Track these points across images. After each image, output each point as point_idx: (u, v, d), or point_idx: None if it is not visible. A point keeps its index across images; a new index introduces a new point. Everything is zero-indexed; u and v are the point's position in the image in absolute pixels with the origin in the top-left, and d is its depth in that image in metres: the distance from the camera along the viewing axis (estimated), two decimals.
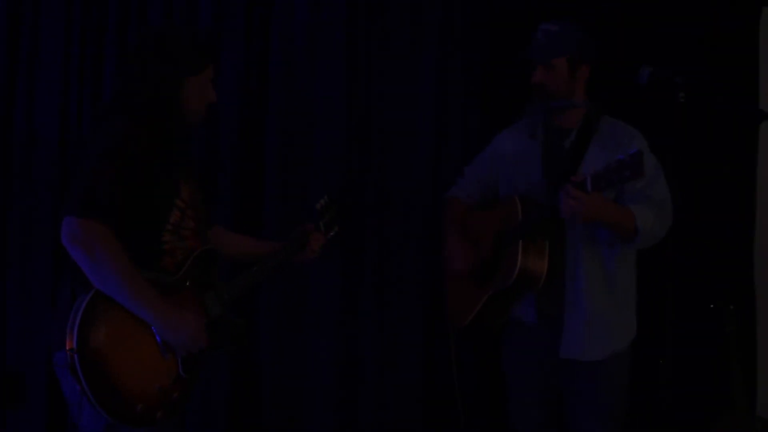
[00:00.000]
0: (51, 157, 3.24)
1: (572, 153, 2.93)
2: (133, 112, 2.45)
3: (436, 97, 3.60)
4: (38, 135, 3.22)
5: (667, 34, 3.81)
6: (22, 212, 3.25)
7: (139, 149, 2.39)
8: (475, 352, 3.57)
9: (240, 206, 3.40)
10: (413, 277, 3.58)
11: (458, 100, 3.63)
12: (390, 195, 3.55)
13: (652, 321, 2.97)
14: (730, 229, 3.84)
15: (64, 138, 3.24)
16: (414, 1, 3.56)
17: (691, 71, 3.59)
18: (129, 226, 2.39)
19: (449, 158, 3.61)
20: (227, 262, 2.73)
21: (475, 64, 3.65)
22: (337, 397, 3.50)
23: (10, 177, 3.23)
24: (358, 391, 3.50)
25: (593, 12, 3.64)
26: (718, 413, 3.75)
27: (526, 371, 2.97)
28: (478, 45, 3.66)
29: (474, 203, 3.23)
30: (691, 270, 3.45)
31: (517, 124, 3.15)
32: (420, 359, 3.57)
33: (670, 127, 2.97)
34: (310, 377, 3.46)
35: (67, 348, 2.31)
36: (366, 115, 3.53)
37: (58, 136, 3.24)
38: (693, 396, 3.78)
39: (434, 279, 3.51)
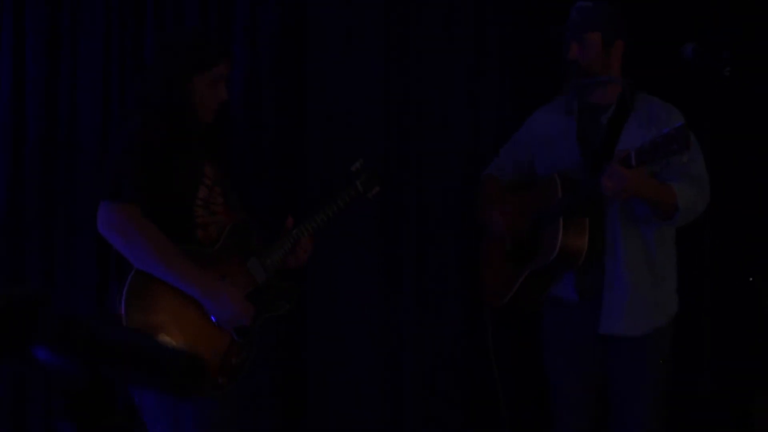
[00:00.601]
0: (92, 160, 3.27)
1: (609, 129, 2.90)
2: (148, 110, 2.56)
3: (470, 80, 3.64)
4: (80, 138, 3.27)
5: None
6: (66, 216, 3.30)
7: (157, 136, 2.49)
8: (513, 332, 3.57)
9: (282, 189, 3.43)
10: (452, 261, 3.59)
11: (494, 77, 3.65)
12: (428, 176, 3.57)
13: (691, 297, 2.97)
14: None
15: (105, 141, 3.30)
16: (447, 14, 3.59)
17: (733, 46, 3.56)
18: (160, 205, 2.48)
19: (486, 137, 3.62)
20: None
21: (511, 48, 3.68)
22: (380, 379, 3.51)
23: (54, 180, 3.28)
24: (401, 369, 3.53)
25: None
26: (758, 388, 3.73)
27: (567, 349, 2.96)
28: (514, 34, 3.68)
29: (511, 183, 3.21)
30: (729, 245, 3.42)
31: (551, 103, 3.13)
32: (460, 343, 3.58)
33: (709, 100, 2.96)
34: (352, 358, 3.49)
35: (116, 314, 2.38)
36: (404, 99, 3.55)
37: (99, 139, 3.29)
38: (733, 372, 3.76)
39: (471, 260, 3.49)
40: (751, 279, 3.79)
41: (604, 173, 2.63)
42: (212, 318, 2.49)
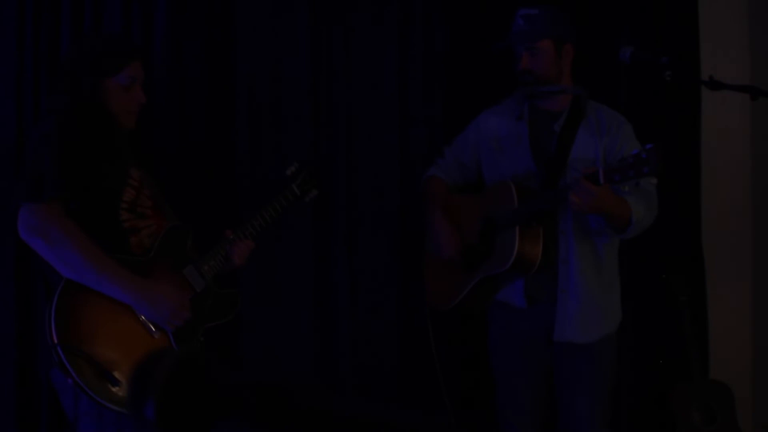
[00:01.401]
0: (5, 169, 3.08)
1: (562, 137, 2.94)
2: (61, 114, 2.49)
3: (399, 81, 3.61)
4: None
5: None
6: None
7: (73, 137, 2.42)
8: (455, 333, 3.58)
9: (212, 189, 3.33)
10: (387, 261, 3.57)
11: (418, 81, 3.64)
12: (358, 175, 3.53)
13: None
14: (677, 202, 3.95)
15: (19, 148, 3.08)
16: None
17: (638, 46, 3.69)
18: (84, 208, 2.41)
19: (417, 134, 3.62)
20: None
21: (436, 52, 3.67)
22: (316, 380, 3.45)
23: None
24: (337, 372, 3.48)
25: None
26: (676, 382, 3.88)
27: (515, 353, 3.01)
28: (438, 33, 3.68)
29: (455, 185, 3.20)
30: (643, 245, 3.53)
31: (499, 106, 3.13)
32: (396, 341, 3.58)
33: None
34: (289, 357, 3.42)
35: (50, 343, 2.28)
36: (329, 100, 3.51)
37: (12, 147, 3.10)
38: (652, 367, 3.90)
39: (408, 260, 3.49)
40: (663, 277, 3.92)
41: (572, 189, 2.66)
42: (150, 329, 2.42)
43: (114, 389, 2.28)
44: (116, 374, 2.29)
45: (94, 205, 2.42)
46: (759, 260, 4.25)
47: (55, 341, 2.26)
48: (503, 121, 3.06)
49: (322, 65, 3.48)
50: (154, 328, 2.43)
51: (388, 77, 3.57)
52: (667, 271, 3.95)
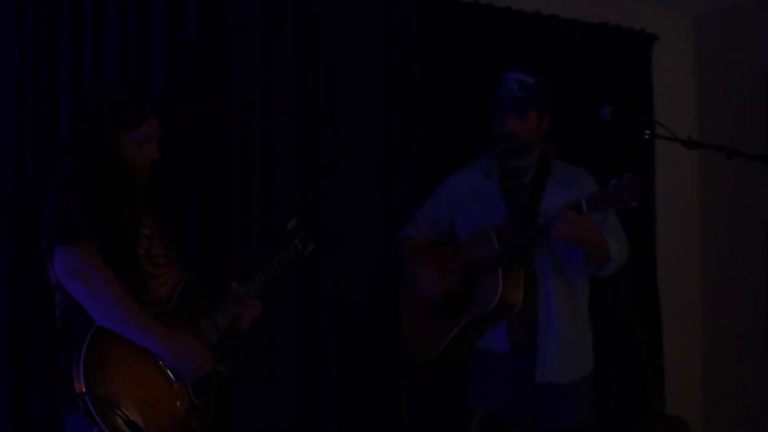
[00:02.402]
0: (6, 211, 3.12)
1: (532, 189, 3.11)
2: (82, 154, 2.54)
3: (384, 135, 3.78)
4: None
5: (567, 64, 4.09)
6: None
7: (94, 180, 2.46)
8: (431, 384, 3.68)
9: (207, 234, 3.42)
10: (368, 307, 3.67)
11: (400, 134, 3.80)
12: (343, 228, 3.64)
13: None
14: (635, 247, 4.19)
15: (20, 191, 3.15)
16: (360, 65, 3.73)
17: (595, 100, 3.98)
18: (110, 251, 2.43)
19: (398, 193, 3.76)
20: None
21: (419, 109, 3.86)
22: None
23: None
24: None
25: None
26: (636, 416, 4.08)
27: (500, 398, 3.09)
28: (420, 94, 3.86)
29: (429, 242, 3.34)
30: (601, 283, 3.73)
31: (468, 167, 3.31)
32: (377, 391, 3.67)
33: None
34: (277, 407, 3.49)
35: (77, 392, 2.30)
36: (317, 153, 3.64)
37: (13, 188, 3.14)
38: (614, 399, 4.09)
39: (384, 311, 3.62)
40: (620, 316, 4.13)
41: (557, 218, 2.80)
42: (171, 380, 2.46)
43: None
44: (140, 422, 2.34)
45: (116, 250, 2.45)
46: (707, 300, 4.52)
47: (84, 390, 2.28)
48: (474, 178, 3.24)
49: (310, 110, 3.63)
50: (174, 377, 2.48)
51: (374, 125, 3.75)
52: (625, 310, 4.15)
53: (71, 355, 2.34)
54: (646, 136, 2.79)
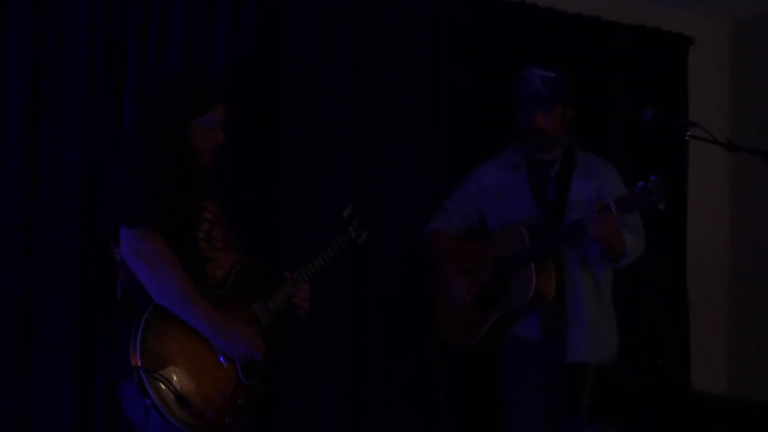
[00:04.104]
0: (75, 191, 3.27)
1: (559, 182, 3.26)
2: (151, 138, 2.65)
3: (429, 133, 3.93)
4: (62, 171, 3.24)
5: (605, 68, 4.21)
6: (47, 246, 3.24)
7: (161, 165, 2.57)
8: (467, 372, 3.83)
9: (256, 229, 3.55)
10: (410, 297, 3.80)
11: (444, 132, 3.96)
12: (388, 220, 3.77)
13: None
14: (664, 240, 4.30)
15: (88, 173, 3.29)
16: (405, 69, 3.87)
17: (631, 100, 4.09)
18: (170, 234, 2.54)
19: (440, 189, 3.87)
20: None
21: (463, 108, 4.00)
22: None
23: (35, 212, 3.23)
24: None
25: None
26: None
27: (532, 384, 3.25)
28: (463, 93, 4.00)
29: (458, 234, 3.49)
30: (633, 277, 3.84)
31: (496, 158, 3.45)
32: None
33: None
34: (319, 391, 3.63)
35: (133, 364, 2.43)
36: (365, 148, 3.79)
37: (80, 173, 3.29)
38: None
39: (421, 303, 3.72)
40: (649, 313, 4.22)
41: (589, 219, 2.95)
42: (221, 359, 2.58)
43: (186, 413, 2.45)
44: (190, 397, 2.46)
45: (177, 233, 2.57)
46: (734, 302, 4.62)
47: (138, 363, 2.41)
48: (502, 171, 3.38)
49: (361, 116, 3.79)
50: (224, 358, 2.59)
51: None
52: (654, 310, 4.25)
53: (129, 326, 2.47)
54: (687, 138, 2.91)
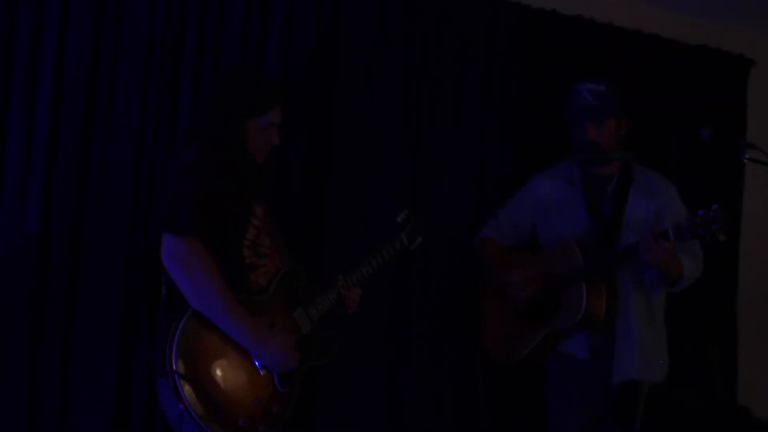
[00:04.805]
0: (125, 188, 3.29)
1: (616, 198, 3.19)
2: (202, 144, 2.63)
3: (480, 141, 3.91)
4: (113, 169, 3.27)
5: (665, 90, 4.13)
6: (95, 243, 3.26)
7: (209, 172, 2.56)
8: (509, 385, 3.77)
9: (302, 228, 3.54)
10: (454, 306, 3.77)
11: (496, 142, 3.93)
12: (435, 227, 3.72)
13: None
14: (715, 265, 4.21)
15: (138, 172, 3.32)
16: (459, 76, 3.86)
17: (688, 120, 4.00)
18: (215, 241, 2.54)
19: (489, 198, 3.84)
20: None
21: (514, 120, 3.97)
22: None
23: (85, 208, 3.26)
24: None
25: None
26: None
27: (576, 402, 3.21)
28: (516, 103, 3.97)
29: (510, 245, 3.44)
30: (680, 299, 3.76)
31: (550, 170, 3.40)
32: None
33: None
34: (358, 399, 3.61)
35: (167, 369, 2.43)
36: (415, 155, 3.78)
37: (133, 172, 3.31)
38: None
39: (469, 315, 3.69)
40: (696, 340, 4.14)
41: (645, 245, 2.90)
42: (257, 365, 2.57)
43: (218, 419, 2.45)
44: (224, 404, 2.47)
45: (221, 241, 2.57)
46: None
47: (174, 368, 2.42)
48: (556, 184, 3.33)
49: (412, 125, 3.78)
50: (261, 365, 2.59)
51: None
52: (701, 334, 4.17)
53: (168, 326, 2.49)
54: (746, 160, 2.85)
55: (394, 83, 3.72)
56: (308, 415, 3.47)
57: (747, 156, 2.84)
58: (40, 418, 3.15)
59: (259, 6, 3.49)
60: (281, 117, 2.75)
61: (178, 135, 3.30)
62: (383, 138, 3.69)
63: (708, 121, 4.02)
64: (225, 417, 2.46)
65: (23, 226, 3.13)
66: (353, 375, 3.58)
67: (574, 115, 3.22)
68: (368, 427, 3.60)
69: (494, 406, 3.66)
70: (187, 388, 2.42)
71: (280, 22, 3.53)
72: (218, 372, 2.49)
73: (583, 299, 3.04)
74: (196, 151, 2.61)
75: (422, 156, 3.76)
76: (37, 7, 3.17)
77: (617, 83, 3.28)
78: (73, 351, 3.20)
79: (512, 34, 3.95)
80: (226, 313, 2.49)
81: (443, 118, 3.81)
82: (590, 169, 3.28)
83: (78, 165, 3.23)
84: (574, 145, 3.27)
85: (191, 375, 2.42)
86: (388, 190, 3.66)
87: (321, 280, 2.92)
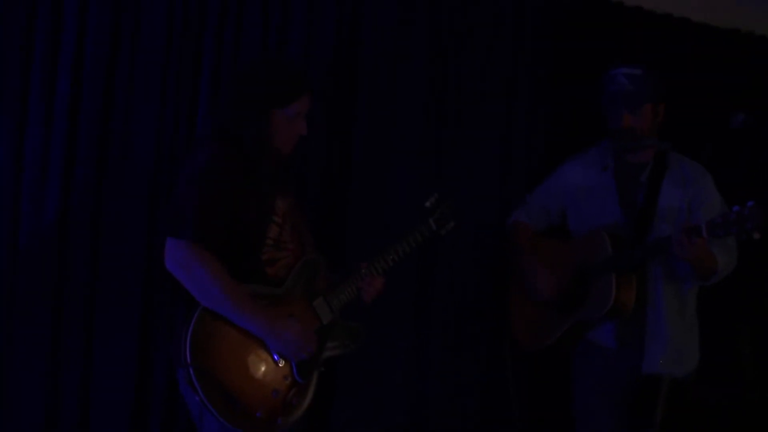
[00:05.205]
0: (145, 178, 3.28)
1: (649, 187, 3.11)
2: (222, 140, 2.55)
3: (505, 133, 3.85)
4: (132, 162, 3.26)
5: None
6: (114, 233, 3.26)
7: (228, 170, 2.49)
8: (534, 370, 3.72)
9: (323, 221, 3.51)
10: (480, 296, 3.74)
11: (522, 133, 3.87)
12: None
13: None
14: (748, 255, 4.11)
15: (158, 165, 3.30)
16: (484, 65, 3.80)
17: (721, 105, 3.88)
18: (228, 242, 2.49)
19: (514, 186, 3.81)
20: None
21: (542, 109, 3.90)
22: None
23: (104, 200, 3.26)
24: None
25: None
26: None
27: (603, 391, 3.15)
28: (544, 93, 3.90)
29: (538, 230, 3.38)
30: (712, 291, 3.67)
31: (583, 156, 3.32)
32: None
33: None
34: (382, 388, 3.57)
35: (183, 362, 2.41)
36: (437, 147, 3.74)
37: (153, 157, 3.29)
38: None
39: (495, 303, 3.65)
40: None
41: (677, 241, 2.82)
42: (275, 357, 2.53)
43: (235, 411, 2.42)
44: (240, 397, 2.44)
45: (237, 241, 2.52)
46: None
47: (189, 361, 2.39)
48: (589, 170, 3.25)
49: (432, 116, 3.73)
50: (279, 357, 2.54)
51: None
52: (733, 325, 4.09)
53: (185, 317, 2.46)
54: None
55: (418, 73, 3.67)
56: (329, 407, 3.45)
57: None
58: (61, 408, 3.16)
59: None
60: (309, 106, 2.65)
61: (199, 126, 3.27)
62: (406, 128, 3.64)
63: (742, 105, 3.95)
64: (242, 409, 2.44)
65: (43, 216, 3.14)
66: (376, 366, 3.54)
67: (609, 100, 3.14)
68: (391, 419, 3.57)
69: (522, 392, 3.62)
70: (202, 381, 2.40)
71: (302, 11, 3.49)
72: (234, 364, 2.46)
73: (613, 290, 2.99)
74: (211, 150, 2.54)
75: (446, 146, 3.72)
76: None
77: (652, 66, 3.18)
78: (93, 341, 3.20)
79: (539, 20, 3.88)
80: (236, 310, 2.46)
81: (466, 108, 3.76)
82: (624, 156, 3.19)
83: (97, 155, 3.21)
84: (609, 132, 3.18)
85: (206, 367, 2.40)
86: (411, 182, 3.62)
87: (344, 270, 2.86)
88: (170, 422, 3.27)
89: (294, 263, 2.66)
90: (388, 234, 3.08)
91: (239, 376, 2.46)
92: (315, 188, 3.50)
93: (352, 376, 3.51)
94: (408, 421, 3.62)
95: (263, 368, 2.51)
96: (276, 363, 2.53)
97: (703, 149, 2.93)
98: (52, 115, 3.14)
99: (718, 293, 3.75)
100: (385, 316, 3.47)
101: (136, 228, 3.24)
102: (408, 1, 3.66)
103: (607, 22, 3.98)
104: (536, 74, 3.86)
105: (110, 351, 3.20)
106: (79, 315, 3.18)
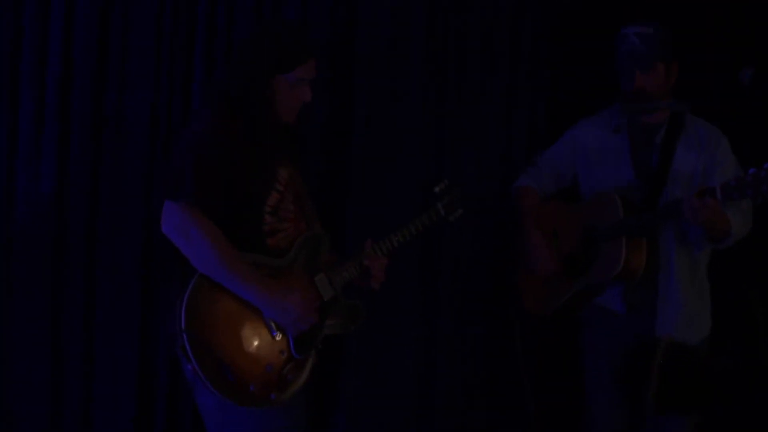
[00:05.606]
0: (140, 151, 3.25)
1: (663, 150, 3.03)
2: (223, 104, 2.50)
3: (506, 107, 3.83)
4: (127, 130, 3.23)
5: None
6: (111, 209, 3.25)
7: (226, 136, 2.43)
8: (543, 335, 3.69)
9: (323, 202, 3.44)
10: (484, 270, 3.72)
11: (525, 104, 3.85)
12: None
13: None
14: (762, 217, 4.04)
15: (154, 132, 3.27)
16: (486, 30, 3.76)
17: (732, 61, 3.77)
18: (228, 208, 2.44)
19: (518, 153, 3.81)
20: None
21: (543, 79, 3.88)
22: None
23: (100, 171, 3.24)
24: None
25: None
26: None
27: (612, 356, 3.10)
28: (544, 61, 3.86)
29: (547, 193, 3.32)
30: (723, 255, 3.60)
31: (596, 117, 3.24)
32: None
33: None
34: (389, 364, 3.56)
35: (177, 328, 2.36)
36: (439, 123, 3.70)
37: (148, 131, 3.27)
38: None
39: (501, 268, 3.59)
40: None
41: (689, 203, 2.76)
42: (273, 332, 2.47)
43: (229, 382, 2.37)
44: (233, 368, 2.38)
45: (237, 208, 2.47)
46: None
47: (183, 327, 2.34)
48: (601, 132, 3.17)
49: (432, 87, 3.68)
50: (276, 329, 2.47)
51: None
52: (745, 288, 4.01)
53: (181, 286, 2.40)
54: None
55: (416, 48, 3.61)
56: (334, 386, 3.41)
57: None
58: (64, 388, 3.15)
59: None
60: (315, 72, 2.56)
61: (194, 94, 3.23)
62: (407, 106, 3.59)
63: (755, 61, 3.85)
64: (234, 381, 2.38)
65: (39, 188, 3.12)
66: (382, 344, 3.51)
67: (622, 61, 3.05)
68: (398, 389, 3.55)
69: (530, 359, 3.54)
70: (195, 349, 2.34)
71: None
72: (229, 335, 2.40)
73: (622, 255, 2.92)
74: (210, 117, 2.49)
75: (447, 123, 3.67)
76: None
77: (665, 26, 3.07)
78: (94, 315, 3.20)
79: None
80: (231, 272, 2.40)
81: (467, 83, 3.72)
82: (638, 117, 3.11)
83: (92, 127, 3.19)
84: (621, 93, 3.10)
85: (200, 335, 2.35)
86: (411, 161, 3.58)
87: (346, 250, 2.83)
88: (172, 422, 3.29)
89: (295, 235, 2.59)
90: (389, 208, 3.06)
91: (233, 348, 2.39)
92: (314, 167, 3.45)
93: (359, 350, 3.47)
94: (416, 392, 3.59)
95: (258, 341, 2.44)
96: (273, 337, 2.46)
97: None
98: (44, 87, 3.12)
99: (730, 257, 3.68)
100: (392, 291, 3.41)
101: (133, 200, 3.22)
102: None
103: None
104: (537, 49, 3.82)
105: (112, 324, 3.21)
106: (79, 289, 3.18)
